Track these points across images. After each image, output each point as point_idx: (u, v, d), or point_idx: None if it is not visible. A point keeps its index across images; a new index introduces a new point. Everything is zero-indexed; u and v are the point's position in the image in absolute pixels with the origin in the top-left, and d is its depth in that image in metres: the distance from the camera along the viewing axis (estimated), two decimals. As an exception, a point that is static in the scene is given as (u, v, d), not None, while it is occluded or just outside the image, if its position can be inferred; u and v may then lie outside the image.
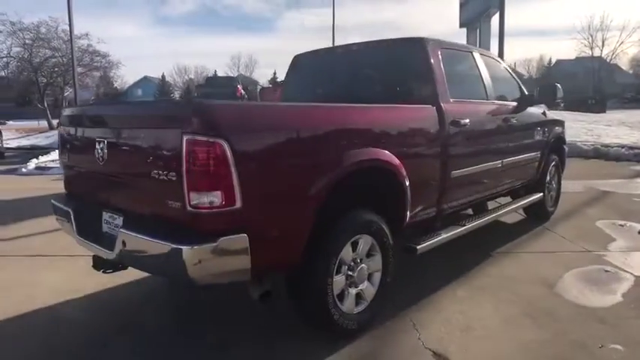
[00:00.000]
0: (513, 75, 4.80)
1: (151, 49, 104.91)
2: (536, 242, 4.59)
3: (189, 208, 2.04)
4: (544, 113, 5.02)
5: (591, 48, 55.36)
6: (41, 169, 10.51)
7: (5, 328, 2.98)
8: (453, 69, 3.69)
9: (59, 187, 3.27)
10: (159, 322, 3.05)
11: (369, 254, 2.83)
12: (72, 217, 2.77)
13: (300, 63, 4.26)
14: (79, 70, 19.06)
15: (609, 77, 56.54)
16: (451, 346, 2.68)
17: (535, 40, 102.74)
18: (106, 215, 2.64)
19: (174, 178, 2.08)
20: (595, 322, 2.94)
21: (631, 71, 62.10)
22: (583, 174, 8.84)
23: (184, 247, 2.01)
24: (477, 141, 3.72)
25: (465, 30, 21.46)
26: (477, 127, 3.71)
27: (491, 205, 4.76)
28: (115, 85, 54.56)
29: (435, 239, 3.30)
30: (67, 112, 2.94)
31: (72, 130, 2.90)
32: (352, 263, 2.72)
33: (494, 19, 16.92)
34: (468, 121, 3.52)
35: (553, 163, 5.29)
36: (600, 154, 11.41)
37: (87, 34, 22.89)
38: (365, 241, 2.77)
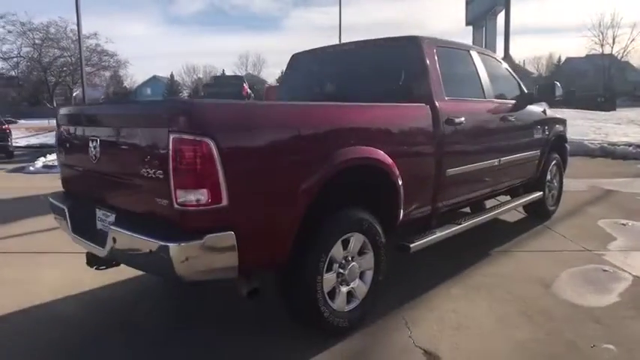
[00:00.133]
0: (513, 74, 4.77)
1: (160, 49, 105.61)
2: (536, 241, 4.57)
3: (176, 206, 2.06)
4: (544, 111, 4.98)
5: (602, 45, 54.70)
6: (48, 168, 10.63)
7: (2, 324, 3.03)
8: (449, 67, 3.68)
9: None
10: (153, 320, 3.07)
11: (361, 252, 2.84)
12: (67, 214, 2.81)
13: (298, 62, 4.28)
14: (87, 69, 19.27)
15: (620, 75, 55.80)
16: (442, 344, 2.68)
17: (544, 38, 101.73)
18: (99, 213, 2.68)
19: (161, 176, 2.10)
20: (590, 321, 2.92)
21: (642, 69, 61.28)
22: (588, 173, 8.78)
23: (171, 244, 2.04)
24: (472, 139, 3.71)
25: (471, 28, 21.36)
26: (473, 125, 3.69)
27: (491, 203, 4.75)
28: (125, 84, 55.01)
29: (429, 238, 3.30)
30: (63, 111, 2.98)
31: (68, 129, 2.95)
32: (343, 261, 2.73)
33: (500, 17, 16.80)
34: (463, 119, 3.51)
35: (554, 161, 5.25)
36: (607, 152, 11.31)
37: (95, 34, 23.17)
38: (356, 239, 2.77)
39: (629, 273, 3.69)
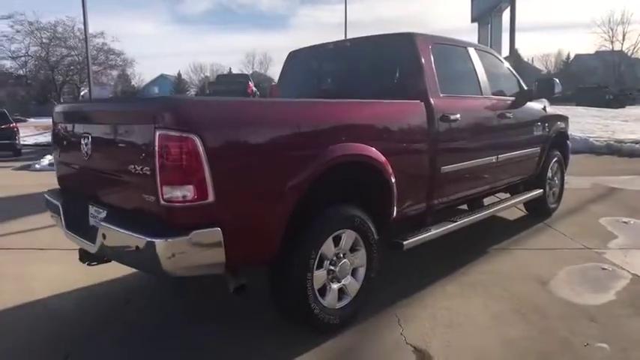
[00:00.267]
0: (512, 71, 4.73)
1: (168, 48, 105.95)
2: (535, 239, 4.53)
3: (162, 202, 2.07)
4: (544, 108, 4.93)
5: (612, 42, 54.17)
6: (53, 165, 10.71)
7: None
8: (445, 64, 3.66)
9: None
10: (148, 317, 3.08)
11: (352, 249, 2.83)
12: (61, 211, 2.83)
13: (295, 59, 4.27)
14: (94, 68, 19.40)
15: (630, 71, 55.20)
16: (433, 341, 2.66)
17: (553, 35, 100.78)
18: (92, 209, 2.69)
19: (148, 173, 2.11)
20: (585, 319, 2.89)
21: (653, 65, 60.50)
22: (593, 170, 8.70)
23: (157, 240, 2.05)
24: (468, 136, 3.69)
25: (476, 25, 21.23)
26: (469, 122, 3.67)
27: (489, 201, 4.71)
28: (133, 83, 55.30)
29: (423, 235, 3.28)
30: (57, 109, 3.00)
31: (62, 127, 2.97)
32: (334, 258, 2.72)
33: (506, 14, 16.67)
34: (458, 116, 3.49)
35: (555, 158, 5.20)
36: (613, 150, 11.20)
37: (102, 33, 23.33)
38: (348, 236, 2.76)
39: (628, 271, 3.65)
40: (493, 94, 4.14)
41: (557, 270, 3.71)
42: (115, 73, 29.72)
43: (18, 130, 14.09)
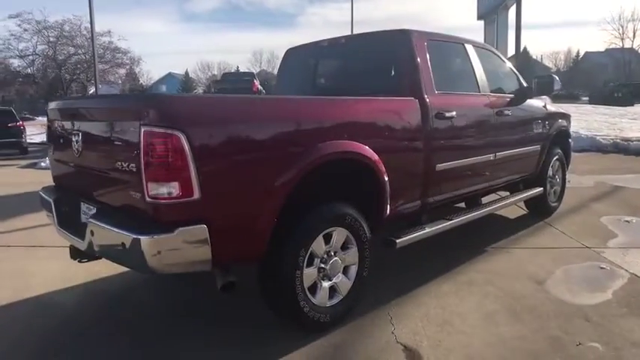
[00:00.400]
0: (512, 68, 4.69)
1: (176, 46, 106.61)
2: (534, 238, 4.49)
3: (148, 199, 2.08)
4: (545, 106, 4.88)
5: (622, 39, 53.52)
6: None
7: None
8: (440, 61, 3.63)
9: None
10: (137, 316, 3.08)
11: (344, 247, 2.82)
12: (53, 207, 2.85)
13: (291, 57, 4.26)
14: (100, 66, 19.51)
15: (641, 69, 54.52)
16: (424, 340, 2.65)
17: (563, 32, 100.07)
18: (84, 206, 2.71)
19: (134, 169, 2.12)
20: (579, 319, 2.86)
21: (664, 63, 59.69)
22: (598, 169, 8.61)
23: (142, 237, 2.05)
24: (465, 134, 3.66)
25: (482, 23, 21.09)
26: (465, 119, 3.64)
27: (488, 199, 4.67)
28: (141, 81, 55.55)
29: (417, 233, 3.26)
30: (51, 106, 3.02)
31: (55, 124, 2.98)
32: (325, 256, 2.71)
33: (512, 11, 16.53)
34: (454, 113, 3.46)
35: (556, 157, 5.15)
36: (620, 148, 11.07)
37: (109, 31, 23.43)
38: (339, 234, 2.75)
39: (627, 270, 3.61)
40: (491, 91, 4.10)
41: (555, 269, 3.68)
42: (122, 71, 29.91)
43: (25, 128, 14.21)
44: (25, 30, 23.51)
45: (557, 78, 4.44)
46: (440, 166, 3.40)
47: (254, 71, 40.70)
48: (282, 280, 2.49)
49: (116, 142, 2.26)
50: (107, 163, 2.35)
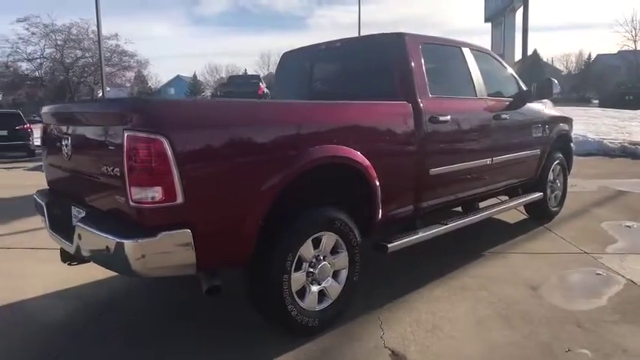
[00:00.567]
0: (511, 71, 4.66)
1: (185, 49, 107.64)
2: (532, 243, 4.45)
3: (131, 203, 2.09)
4: (545, 109, 4.84)
5: (634, 41, 53.00)
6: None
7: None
8: (436, 65, 3.63)
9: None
10: (130, 318, 3.09)
11: (334, 251, 2.81)
12: (45, 211, 2.88)
13: (288, 60, 4.27)
14: (108, 69, 19.69)
15: (653, 71, 53.88)
16: (412, 346, 2.64)
17: (574, 34, 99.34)
18: (74, 210, 2.73)
19: (118, 174, 2.13)
20: (570, 325, 2.83)
21: (677, 65, 58.93)
22: (604, 173, 8.53)
23: (126, 241, 2.07)
24: (460, 138, 3.64)
25: (490, 25, 21.00)
26: (461, 123, 3.62)
27: (486, 203, 4.64)
28: (149, 84, 56.02)
29: (409, 238, 3.25)
30: (44, 110, 3.05)
31: (48, 128, 3.02)
32: (314, 260, 2.71)
33: (519, 14, 16.45)
34: (449, 117, 3.45)
35: (557, 161, 5.10)
36: (628, 152, 10.98)
37: (116, 35, 23.65)
38: (328, 239, 2.75)
39: (623, 276, 3.56)
40: (489, 95, 4.07)
41: (551, 275, 3.64)
42: (130, 74, 30.20)
43: (32, 131, 14.37)
44: (33, 33, 23.88)
45: (556, 82, 4.41)
46: (434, 171, 3.39)
47: (261, 74, 40.89)
48: (269, 284, 2.49)
49: (102, 147, 2.28)
50: (94, 167, 2.37)
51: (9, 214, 5.92)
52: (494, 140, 3.98)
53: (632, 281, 3.47)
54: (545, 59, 59.24)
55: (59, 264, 3.92)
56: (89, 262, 2.74)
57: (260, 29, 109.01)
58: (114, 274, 3.56)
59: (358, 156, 2.79)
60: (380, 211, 3.03)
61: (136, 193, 2.07)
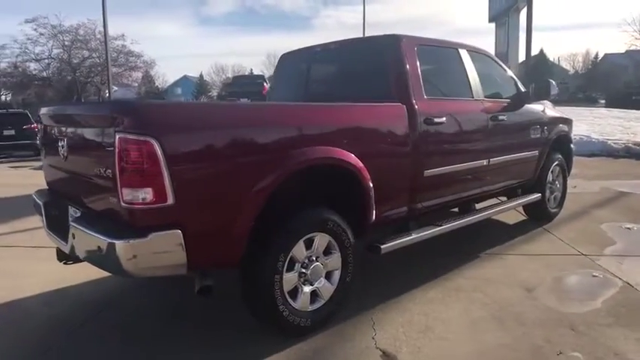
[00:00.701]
0: (509, 73, 4.65)
1: (192, 49, 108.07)
2: (530, 244, 4.44)
3: (123, 204, 2.12)
4: (544, 110, 4.83)
5: (643, 41, 52.41)
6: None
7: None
8: (432, 66, 3.64)
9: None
10: (126, 317, 3.13)
11: (327, 252, 2.83)
12: (42, 210, 2.92)
13: (286, 62, 4.29)
14: (114, 70, 19.82)
15: (662, 71, 53.35)
16: (404, 347, 2.65)
17: (581, 34, 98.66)
18: (71, 210, 2.76)
19: (110, 175, 2.16)
20: (563, 327, 2.83)
21: (685, 65, 58.34)
22: (606, 174, 8.48)
23: (117, 242, 2.10)
24: (455, 139, 3.65)
25: (494, 25, 20.91)
26: (456, 125, 3.63)
27: (484, 204, 4.63)
28: (157, 84, 56.25)
29: (403, 239, 3.26)
30: (42, 111, 3.09)
31: (45, 129, 3.06)
32: (306, 261, 2.72)
33: (523, 14, 16.37)
34: (444, 119, 3.45)
35: (556, 162, 5.08)
36: (632, 153, 10.90)
37: (122, 35, 23.81)
38: (321, 239, 2.76)
39: (620, 279, 3.55)
40: (486, 96, 4.07)
41: (547, 276, 3.64)
42: (136, 74, 30.42)
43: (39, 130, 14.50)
44: (41, 34, 24.14)
45: (554, 83, 4.40)
46: (428, 172, 3.39)
47: (267, 74, 40.93)
48: (260, 284, 2.51)
49: (95, 148, 2.32)
50: (88, 168, 2.41)
51: (12, 212, 5.98)
52: (490, 142, 3.98)
53: (629, 284, 3.45)
54: (551, 59, 58.87)
55: (58, 263, 4.00)
56: (84, 261, 2.78)
57: (266, 29, 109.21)
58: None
59: (351, 157, 2.81)
60: (374, 212, 3.04)
61: (127, 194, 2.10)
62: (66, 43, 23.31)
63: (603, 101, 35.98)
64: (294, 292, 2.70)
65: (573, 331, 2.79)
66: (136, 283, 3.61)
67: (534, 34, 14.07)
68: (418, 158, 3.30)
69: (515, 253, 4.21)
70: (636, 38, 50.26)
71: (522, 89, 4.59)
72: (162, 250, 2.15)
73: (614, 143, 11.58)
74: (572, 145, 5.45)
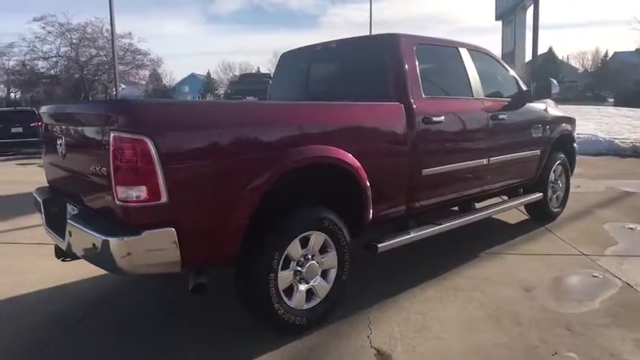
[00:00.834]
0: (511, 71, 4.62)
1: (199, 47, 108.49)
2: (531, 244, 4.42)
3: (117, 202, 2.14)
4: (546, 109, 4.79)
5: (653, 39, 51.82)
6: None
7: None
8: (431, 65, 3.63)
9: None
10: (127, 314, 3.16)
11: (323, 250, 2.84)
12: (42, 208, 2.95)
13: (286, 61, 4.30)
14: (121, 68, 19.94)
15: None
16: (399, 345, 2.65)
17: (591, 32, 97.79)
18: (69, 207, 2.79)
19: (105, 173, 2.18)
20: (560, 328, 2.82)
21: (696, 63, 57.62)
22: (612, 173, 8.41)
23: (111, 239, 2.12)
24: (454, 138, 3.64)
25: (500, 23, 20.78)
26: (455, 124, 3.62)
27: (485, 204, 4.61)
28: (164, 82, 56.49)
29: (400, 238, 3.26)
30: (42, 109, 3.13)
31: (45, 127, 3.10)
32: (302, 259, 2.73)
33: (530, 12, 16.24)
34: (442, 118, 3.44)
35: (558, 161, 5.05)
36: (639, 152, 10.78)
37: (129, 33, 23.95)
38: (317, 238, 2.77)
39: (620, 279, 3.53)
40: (487, 95, 4.05)
41: (546, 276, 3.62)
42: (143, 72, 30.61)
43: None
44: (49, 32, 24.37)
45: (555, 82, 4.37)
46: (427, 171, 3.39)
47: (271, 72, 40.90)
48: (255, 281, 2.52)
49: (91, 147, 2.35)
50: (85, 166, 2.43)
51: (15, 209, 6.04)
52: (490, 141, 3.96)
53: (628, 284, 3.43)
54: (560, 57, 58.37)
55: (58, 260, 4.04)
56: (81, 259, 2.80)
57: (274, 27, 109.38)
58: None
59: (347, 156, 2.81)
60: (371, 211, 3.04)
61: (122, 192, 2.12)
62: (74, 41, 23.55)
63: (612, 100, 35.62)
64: (290, 291, 2.71)
65: (569, 331, 2.78)
66: (133, 281, 3.64)
67: (542, 33, 13.99)
68: (416, 157, 3.29)
69: (516, 252, 4.19)
70: (646, 36, 49.75)
71: (524, 88, 4.57)
72: (156, 248, 2.17)
73: (622, 142, 11.49)
74: (575, 145, 5.40)
